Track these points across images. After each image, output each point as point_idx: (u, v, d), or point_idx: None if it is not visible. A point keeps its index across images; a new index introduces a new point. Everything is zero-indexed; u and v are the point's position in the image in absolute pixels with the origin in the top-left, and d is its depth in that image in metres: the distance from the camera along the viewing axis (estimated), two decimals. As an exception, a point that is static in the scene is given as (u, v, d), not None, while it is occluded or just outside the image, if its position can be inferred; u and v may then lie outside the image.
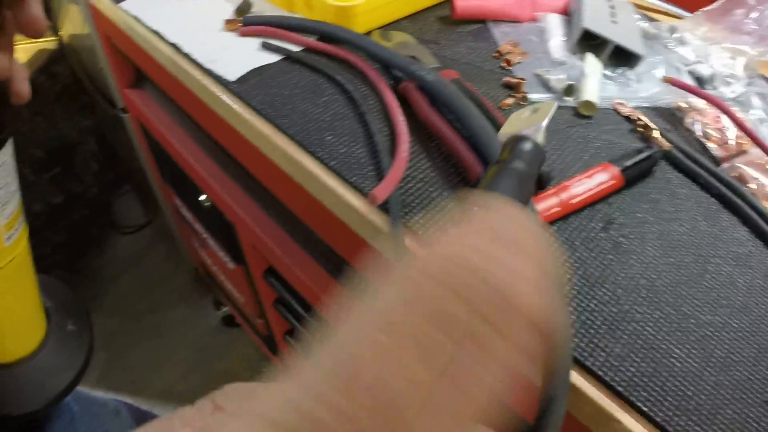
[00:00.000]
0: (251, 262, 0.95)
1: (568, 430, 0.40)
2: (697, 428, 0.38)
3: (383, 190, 0.47)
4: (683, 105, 0.64)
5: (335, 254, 0.66)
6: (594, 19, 0.69)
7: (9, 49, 0.36)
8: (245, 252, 0.94)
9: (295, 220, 0.75)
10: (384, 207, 0.49)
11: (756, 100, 0.65)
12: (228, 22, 0.72)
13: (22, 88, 0.38)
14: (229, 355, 1.66)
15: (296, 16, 0.72)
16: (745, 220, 0.53)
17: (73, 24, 1.19)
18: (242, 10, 0.73)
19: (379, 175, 0.52)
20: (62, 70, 1.40)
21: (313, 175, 0.54)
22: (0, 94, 0.34)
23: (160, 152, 1.05)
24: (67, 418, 0.70)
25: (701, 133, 0.62)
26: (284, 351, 1.25)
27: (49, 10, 1.42)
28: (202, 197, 0.96)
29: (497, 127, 0.51)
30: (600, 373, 0.40)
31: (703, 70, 0.68)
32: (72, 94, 1.43)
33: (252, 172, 0.70)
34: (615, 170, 0.53)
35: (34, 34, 0.34)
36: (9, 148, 0.40)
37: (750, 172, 0.57)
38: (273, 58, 0.67)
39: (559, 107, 0.63)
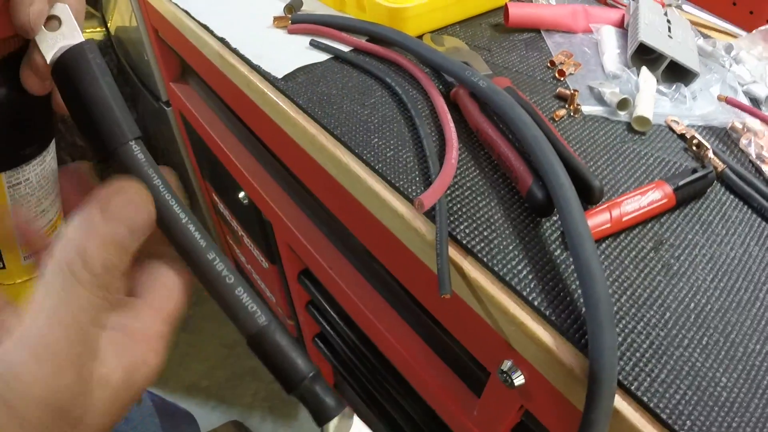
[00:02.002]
0: (286, 263, 0.95)
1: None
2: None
3: (430, 197, 0.46)
4: (738, 125, 0.62)
5: (373, 259, 0.65)
6: (650, 33, 0.67)
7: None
8: (281, 252, 0.94)
9: (333, 223, 0.75)
10: (430, 214, 0.48)
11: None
12: (277, 18, 0.72)
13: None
14: (257, 355, 1.67)
15: (346, 16, 0.72)
16: (801, 247, 0.51)
17: (121, 16, 1.21)
18: (292, 7, 0.73)
19: (426, 181, 0.51)
20: (108, 62, 1.41)
21: (357, 177, 0.53)
22: (44, 102, 0.34)
23: (202, 147, 1.05)
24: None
25: (756, 155, 0.60)
26: (313, 355, 1.25)
27: (98, 1, 1.44)
28: (241, 194, 0.96)
29: (550, 138, 0.50)
30: (644, 398, 0.39)
31: (759, 91, 0.67)
32: (117, 85, 1.45)
33: (293, 171, 0.70)
34: (668, 189, 0.52)
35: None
36: (52, 152, 0.40)
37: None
38: (321, 57, 0.66)
39: (612, 122, 0.62)
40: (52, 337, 0.23)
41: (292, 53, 0.66)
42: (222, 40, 0.69)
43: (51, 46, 0.29)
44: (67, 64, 0.29)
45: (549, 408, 0.46)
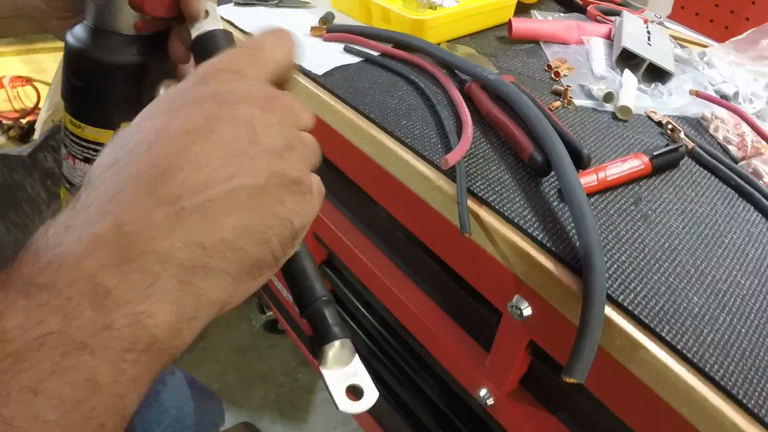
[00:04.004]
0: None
1: (600, 367, 0.49)
2: (713, 358, 0.46)
3: (453, 156, 0.57)
4: (708, 115, 0.74)
5: (394, 232, 0.75)
6: (632, 41, 0.79)
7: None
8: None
9: (358, 207, 0.85)
10: (451, 175, 0.59)
11: (774, 115, 0.75)
12: (313, 28, 0.83)
13: None
14: (267, 359, 1.74)
15: (374, 27, 0.84)
16: (759, 207, 0.62)
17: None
18: (326, 19, 0.85)
19: (448, 151, 0.62)
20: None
21: (390, 151, 0.64)
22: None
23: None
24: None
25: (723, 138, 0.71)
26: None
27: None
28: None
29: (547, 117, 0.61)
30: (630, 308, 0.49)
31: (728, 89, 0.78)
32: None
33: (327, 157, 0.80)
34: (645, 158, 0.63)
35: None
36: None
37: (765, 168, 0.66)
38: (354, 59, 0.78)
39: (599, 112, 0.73)
40: None
41: (328, 56, 0.78)
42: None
43: (197, 28, 0.40)
44: (204, 42, 0.40)
45: (553, 334, 0.56)
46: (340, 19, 0.87)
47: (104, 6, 0.41)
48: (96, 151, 0.45)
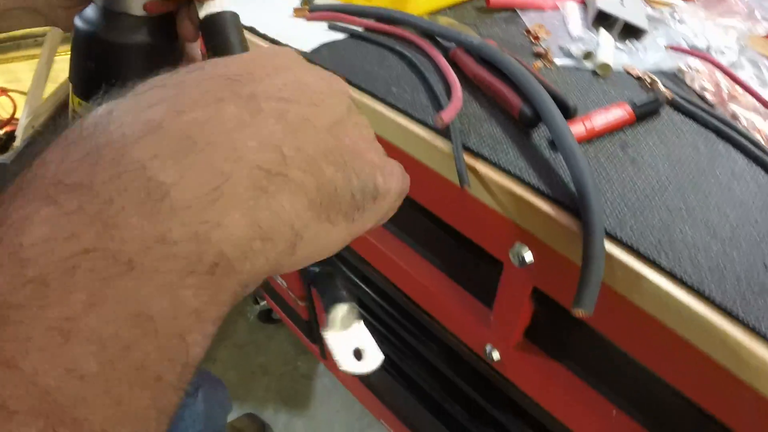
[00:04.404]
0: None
1: (604, 303, 0.52)
2: (712, 283, 0.48)
3: (447, 114, 0.59)
4: (683, 67, 0.77)
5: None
6: (606, 2, 0.82)
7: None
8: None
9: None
10: (446, 134, 0.61)
11: (746, 64, 0.78)
12: (296, 10, 0.85)
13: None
14: (266, 351, 1.76)
15: (356, 4, 0.86)
16: (740, 147, 0.65)
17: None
18: (308, 0, 0.87)
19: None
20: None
21: (383, 116, 0.66)
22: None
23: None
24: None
25: (699, 87, 0.74)
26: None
27: None
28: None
29: (532, 75, 0.64)
30: (627, 242, 0.52)
31: (700, 43, 0.81)
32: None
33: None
34: (628, 108, 0.65)
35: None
36: None
37: (741, 111, 0.69)
38: (340, 36, 0.80)
39: (580, 70, 0.76)
40: None
41: (314, 34, 0.80)
42: (250, 28, 0.83)
43: (205, 9, 0.42)
44: (213, 22, 0.42)
45: (555, 277, 0.59)
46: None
47: None
48: None
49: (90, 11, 0.44)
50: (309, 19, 0.84)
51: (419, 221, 0.78)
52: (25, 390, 0.16)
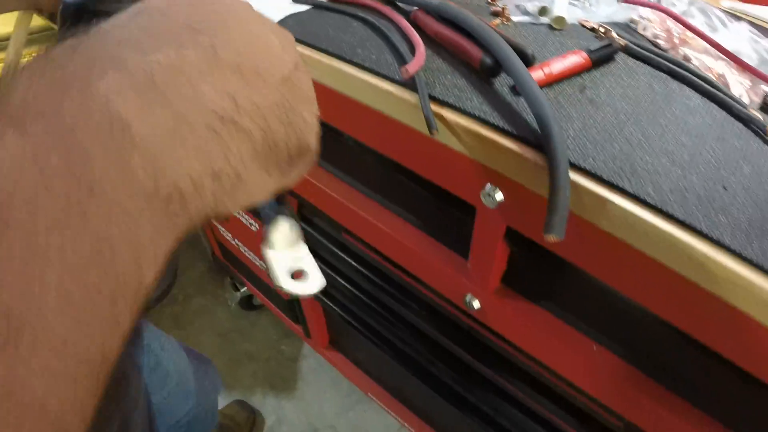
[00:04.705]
0: (280, 210, 1.09)
1: (573, 232, 0.55)
2: (674, 203, 0.51)
3: (413, 66, 0.62)
4: (635, 17, 0.80)
5: (367, 168, 0.80)
6: (558, -40, 0.85)
7: None
8: (275, 200, 1.08)
9: (325, 148, 0.90)
10: (412, 87, 0.64)
11: (696, 12, 0.81)
12: (260, -14, 0.87)
13: None
14: (249, 337, 1.78)
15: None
16: (693, 85, 0.69)
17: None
18: (270, -24, 0.89)
19: (406, 66, 0.67)
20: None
21: (352, 77, 0.69)
22: None
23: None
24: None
25: (651, 35, 0.77)
26: (308, 312, 1.37)
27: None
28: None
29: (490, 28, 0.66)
30: (592, 170, 0.55)
31: (650, -6, 0.85)
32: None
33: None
34: (584, 54, 0.68)
35: None
36: None
37: (693, 54, 0.73)
38: (304, 7, 0.82)
39: (536, 26, 0.79)
40: None
41: (279, 8, 0.82)
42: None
43: None
44: None
45: (526, 214, 0.62)
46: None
47: None
48: None
49: None
50: (272, -6, 0.86)
51: (392, 178, 0.80)
52: None
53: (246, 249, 1.42)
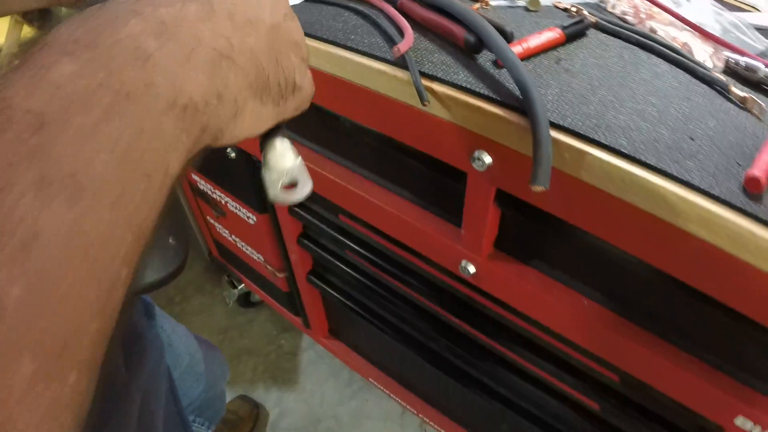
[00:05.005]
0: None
1: (557, 188, 0.60)
2: (647, 153, 0.57)
3: (403, 45, 0.68)
4: (605, -2, 0.87)
5: (363, 146, 0.86)
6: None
7: None
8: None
9: (320, 133, 0.95)
10: (403, 65, 0.70)
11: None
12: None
13: None
14: (248, 333, 1.82)
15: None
16: (660, 54, 0.75)
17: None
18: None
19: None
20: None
21: (348, 60, 0.74)
22: None
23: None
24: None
25: (620, 12, 0.84)
26: (307, 302, 1.42)
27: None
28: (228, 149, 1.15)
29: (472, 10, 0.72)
30: (570, 128, 0.60)
31: (617, -24, 0.91)
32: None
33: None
34: (558, 30, 0.75)
35: None
36: None
37: (659, 26, 0.79)
38: (297, 1, 0.88)
39: (513, 8, 0.85)
40: None
41: (271, 2, 0.87)
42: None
43: None
44: None
45: (514, 175, 0.67)
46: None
47: None
48: None
49: None
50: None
51: (388, 158, 0.86)
52: (62, 181, 0.22)
53: (244, 244, 1.47)
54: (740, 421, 0.67)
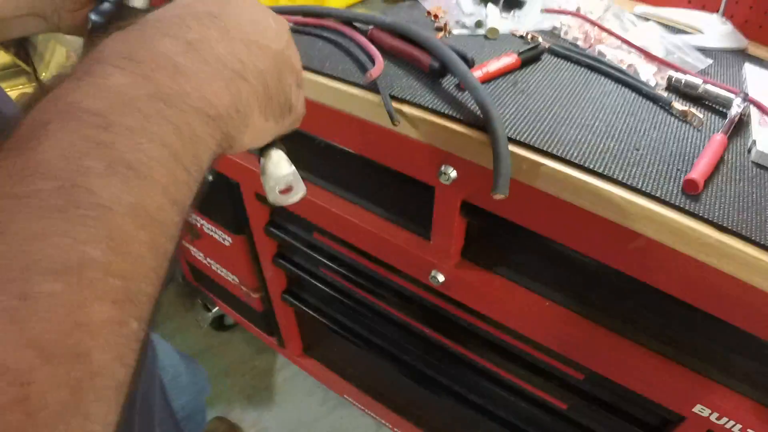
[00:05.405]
0: (253, 219, 1.19)
1: (516, 194, 0.67)
2: (596, 162, 0.64)
3: (375, 71, 0.74)
4: (557, 25, 0.94)
5: (337, 166, 0.92)
6: (488, -19, 0.99)
7: None
8: (248, 210, 1.18)
9: (292, 153, 1.01)
10: (374, 89, 0.76)
11: (611, 17, 0.96)
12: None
13: None
14: (223, 355, 1.85)
15: (284, 5, 1.00)
16: (607, 75, 0.83)
17: (57, 65, 1.41)
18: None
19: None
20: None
21: (324, 85, 0.81)
22: None
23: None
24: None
25: (572, 38, 0.92)
26: (281, 321, 1.46)
27: (29, 57, 1.62)
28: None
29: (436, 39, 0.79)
30: (527, 142, 0.67)
31: (570, 6, 0.99)
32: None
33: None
34: (514, 55, 0.82)
35: None
36: None
37: (607, 50, 0.87)
38: (271, 31, 0.94)
39: (473, 37, 0.92)
40: None
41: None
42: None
43: None
44: None
45: (477, 186, 0.74)
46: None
47: None
48: None
49: (105, 6, 0.54)
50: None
51: (360, 176, 0.92)
52: (123, 165, 0.26)
53: (219, 266, 1.51)
54: (699, 408, 0.73)
